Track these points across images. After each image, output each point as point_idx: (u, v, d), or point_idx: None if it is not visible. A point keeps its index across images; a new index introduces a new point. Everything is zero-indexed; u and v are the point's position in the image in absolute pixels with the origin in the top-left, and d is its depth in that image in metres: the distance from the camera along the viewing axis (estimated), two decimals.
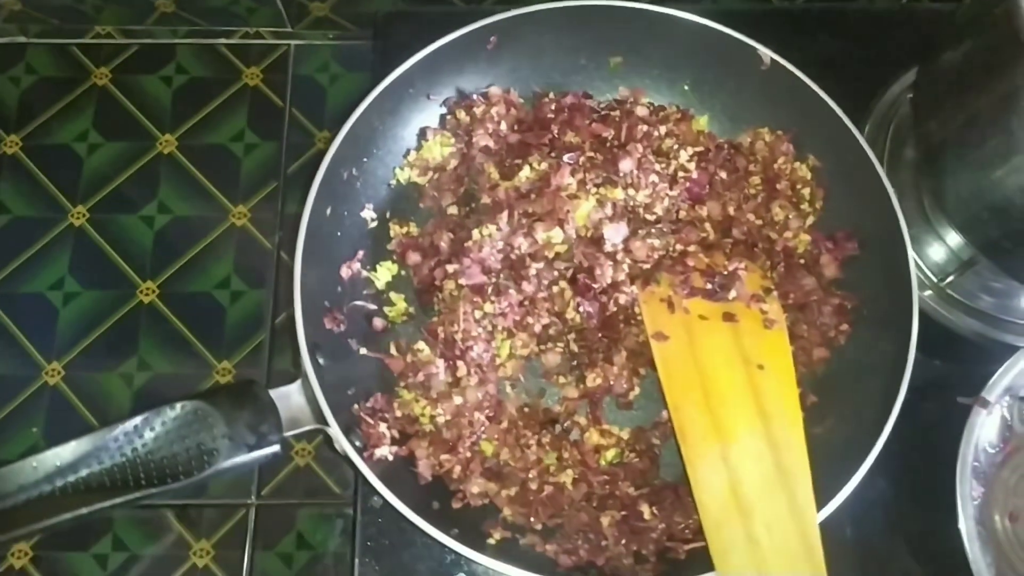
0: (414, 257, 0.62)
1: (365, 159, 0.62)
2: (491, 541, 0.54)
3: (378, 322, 0.62)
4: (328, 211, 0.59)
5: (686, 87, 0.66)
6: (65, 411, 0.70)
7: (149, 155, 0.78)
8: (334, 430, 0.51)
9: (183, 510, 0.68)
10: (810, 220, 0.63)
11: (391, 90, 0.60)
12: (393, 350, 0.60)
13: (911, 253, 0.57)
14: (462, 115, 0.64)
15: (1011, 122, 0.53)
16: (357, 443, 0.53)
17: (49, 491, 0.45)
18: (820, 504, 0.51)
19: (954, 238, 0.66)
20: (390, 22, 0.75)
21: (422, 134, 0.65)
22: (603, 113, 0.65)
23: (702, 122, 0.66)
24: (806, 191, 0.63)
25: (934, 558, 0.63)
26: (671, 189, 0.62)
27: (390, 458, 0.54)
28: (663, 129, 0.63)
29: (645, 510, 0.55)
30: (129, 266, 0.74)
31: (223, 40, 0.82)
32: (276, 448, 0.49)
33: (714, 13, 0.64)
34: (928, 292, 0.66)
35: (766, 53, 0.61)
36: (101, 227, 0.76)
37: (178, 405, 0.47)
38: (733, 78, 0.64)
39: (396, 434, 0.56)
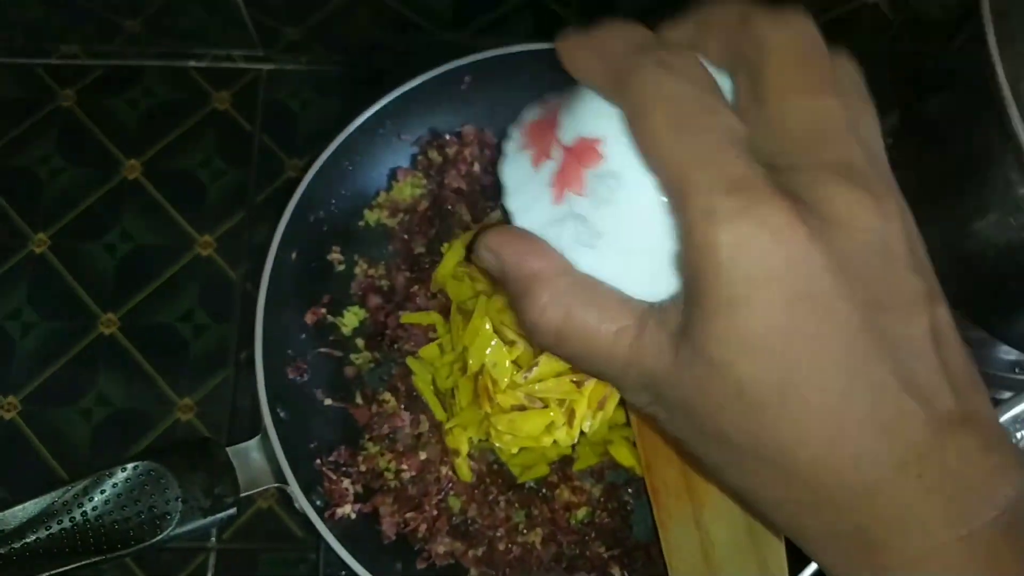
0: (375, 300, 0.60)
1: (333, 200, 0.60)
2: None
3: (349, 370, 0.60)
4: (293, 256, 0.57)
5: None
6: (21, 447, 0.68)
7: (113, 181, 0.76)
8: (294, 489, 0.49)
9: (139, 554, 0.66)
10: None
11: (361, 131, 0.59)
12: (359, 399, 0.59)
13: None
14: (434, 155, 0.62)
15: (987, 178, 0.52)
16: (318, 502, 0.51)
17: None
18: (793, 571, 0.50)
19: None
20: (363, 52, 0.73)
21: (392, 175, 0.63)
22: None
23: None
24: None
25: None
26: None
27: (353, 516, 0.53)
28: None
29: (616, 572, 0.53)
30: (90, 296, 0.72)
31: (192, 63, 0.79)
32: (232, 511, 0.47)
33: None
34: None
35: None
36: (62, 255, 0.73)
37: (129, 466, 0.45)
38: None
39: (360, 490, 0.54)
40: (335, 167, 0.59)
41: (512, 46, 0.60)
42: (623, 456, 0.56)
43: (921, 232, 0.59)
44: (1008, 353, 0.66)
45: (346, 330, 0.61)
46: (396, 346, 0.59)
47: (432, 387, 0.57)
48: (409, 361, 0.58)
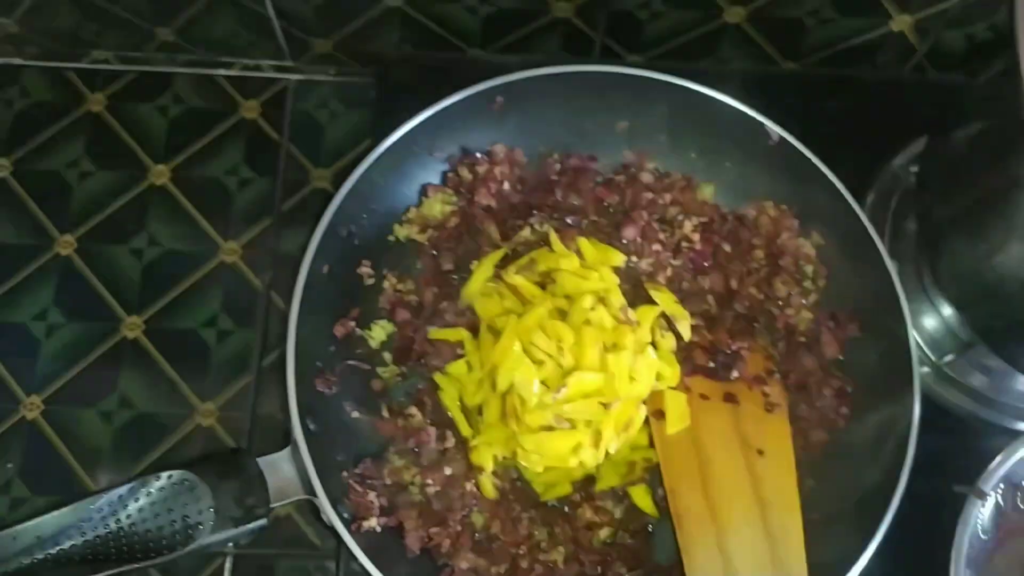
0: (403, 314, 0.61)
1: (364, 215, 0.61)
2: None
3: (376, 383, 0.61)
4: (325, 269, 0.58)
5: (693, 155, 0.66)
6: (43, 447, 0.69)
7: (141, 185, 0.76)
8: (322, 502, 0.50)
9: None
10: (812, 298, 0.63)
11: (394, 148, 0.59)
12: (385, 412, 0.59)
13: (913, 340, 0.56)
14: (465, 172, 0.63)
15: (1014, 211, 0.53)
16: (345, 514, 0.52)
17: (28, 564, 0.43)
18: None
19: (952, 316, 0.66)
20: (392, 67, 0.74)
21: (423, 191, 0.64)
22: (608, 178, 0.64)
23: (707, 191, 0.66)
24: (809, 268, 0.63)
25: None
26: (674, 259, 0.61)
27: (378, 529, 0.53)
28: (668, 197, 0.63)
29: None
30: (115, 299, 0.73)
31: (222, 71, 0.80)
32: (263, 522, 0.47)
33: (722, 77, 0.64)
34: (926, 369, 0.66)
35: (774, 130, 0.60)
36: (88, 258, 0.74)
37: (164, 475, 0.46)
38: (740, 150, 0.63)
39: (385, 503, 0.55)
40: (367, 182, 0.59)
41: (544, 68, 0.61)
42: (645, 504, 0.57)
43: (947, 262, 0.60)
44: None
45: (374, 343, 0.62)
46: (423, 361, 0.59)
47: (459, 403, 0.58)
48: (436, 377, 0.58)
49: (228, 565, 0.66)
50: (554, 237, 0.59)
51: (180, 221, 0.75)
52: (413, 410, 0.58)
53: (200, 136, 0.78)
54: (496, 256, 0.60)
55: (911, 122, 0.71)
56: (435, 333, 0.59)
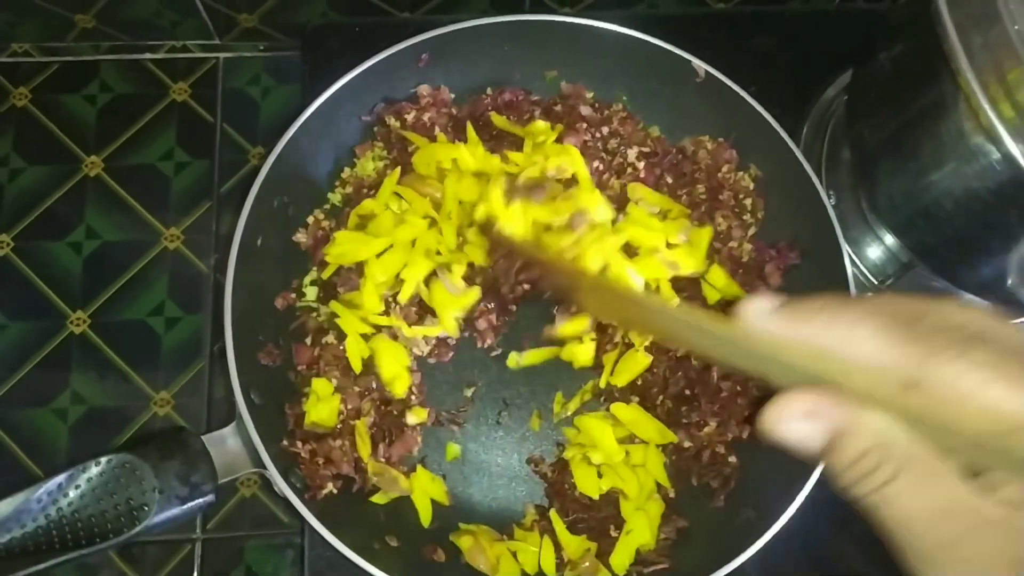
0: (322, 253, 0.61)
1: (297, 184, 0.60)
2: None
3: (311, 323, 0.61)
4: (259, 241, 0.57)
5: (624, 98, 0.65)
6: None
7: (75, 178, 0.75)
8: (272, 473, 0.50)
9: (125, 548, 0.66)
10: (752, 230, 0.63)
11: (320, 112, 0.58)
12: (308, 341, 0.60)
13: (849, 266, 0.57)
14: (392, 120, 0.62)
15: (940, 130, 0.53)
16: (298, 484, 0.51)
17: None
18: (774, 517, 0.51)
19: (892, 240, 0.66)
20: (319, 35, 0.72)
21: (354, 153, 0.63)
22: (546, 107, 0.63)
23: (654, 131, 0.66)
24: (748, 201, 0.63)
25: (884, 559, 0.63)
26: (618, 178, 0.61)
27: (335, 492, 0.53)
28: (605, 130, 0.62)
29: None
30: (58, 296, 0.71)
31: (148, 55, 0.78)
32: (210, 498, 0.47)
33: (649, 19, 0.63)
34: (869, 295, 0.66)
35: (700, 66, 0.60)
36: (27, 256, 0.73)
37: (103, 459, 0.45)
38: (669, 89, 0.63)
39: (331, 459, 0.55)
40: (296, 151, 0.58)
41: (467, 21, 0.60)
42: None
43: (882, 186, 0.60)
44: (969, 302, 0.68)
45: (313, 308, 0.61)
46: (339, 290, 0.59)
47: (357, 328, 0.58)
48: (333, 305, 0.58)
49: (198, 551, 0.66)
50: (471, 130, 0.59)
51: (118, 211, 0.74)
52: (331, 337, 0.58)
53: (131, 123, 0.77)
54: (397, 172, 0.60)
55: (841, 53, 0.71)
56: (332, 257, 0.59)
